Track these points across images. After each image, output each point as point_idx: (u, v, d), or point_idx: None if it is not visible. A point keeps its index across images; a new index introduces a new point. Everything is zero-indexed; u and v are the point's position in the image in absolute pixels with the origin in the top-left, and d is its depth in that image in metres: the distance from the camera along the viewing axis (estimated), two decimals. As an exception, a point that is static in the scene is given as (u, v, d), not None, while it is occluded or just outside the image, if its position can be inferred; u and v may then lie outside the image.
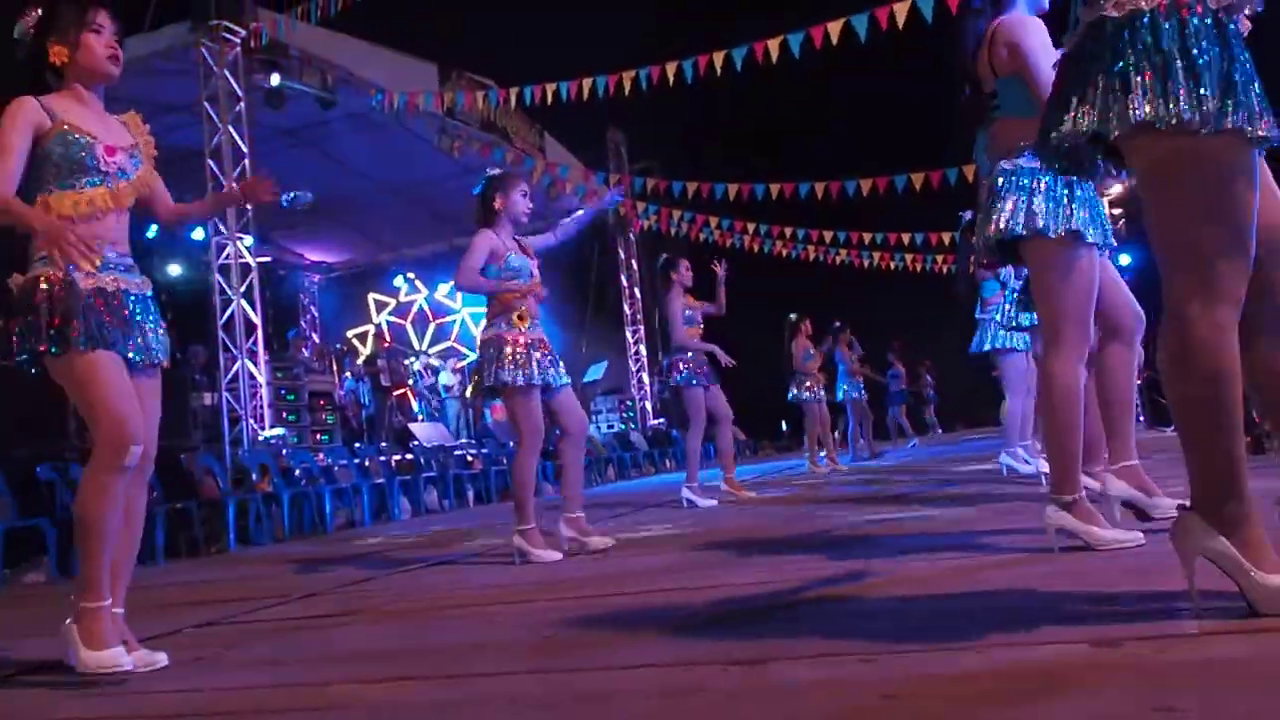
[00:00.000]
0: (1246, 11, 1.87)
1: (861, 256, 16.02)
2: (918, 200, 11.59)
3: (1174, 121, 1.76)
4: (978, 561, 2.90)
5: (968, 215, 6.15)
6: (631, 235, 18.48)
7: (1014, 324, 5.33)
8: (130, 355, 2.58)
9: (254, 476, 7.97)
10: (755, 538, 4.31)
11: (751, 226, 14.84)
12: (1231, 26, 1.82)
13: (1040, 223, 2.78)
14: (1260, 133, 1.79)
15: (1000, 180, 2.90)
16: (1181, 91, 1.76)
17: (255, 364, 9.35)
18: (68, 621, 2.50)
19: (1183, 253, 1.85)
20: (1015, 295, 5.23)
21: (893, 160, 11.58)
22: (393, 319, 18.13)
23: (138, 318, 2.63)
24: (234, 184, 9.02)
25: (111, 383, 2.52)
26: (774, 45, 7.82)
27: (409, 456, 10.23)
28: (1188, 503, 1.88)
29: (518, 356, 4.23)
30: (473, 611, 3.16)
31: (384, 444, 11.12)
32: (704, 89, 8.95)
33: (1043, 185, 2.81)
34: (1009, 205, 2.84)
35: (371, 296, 18.22)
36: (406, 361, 14.64)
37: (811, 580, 2.86)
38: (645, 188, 13.20)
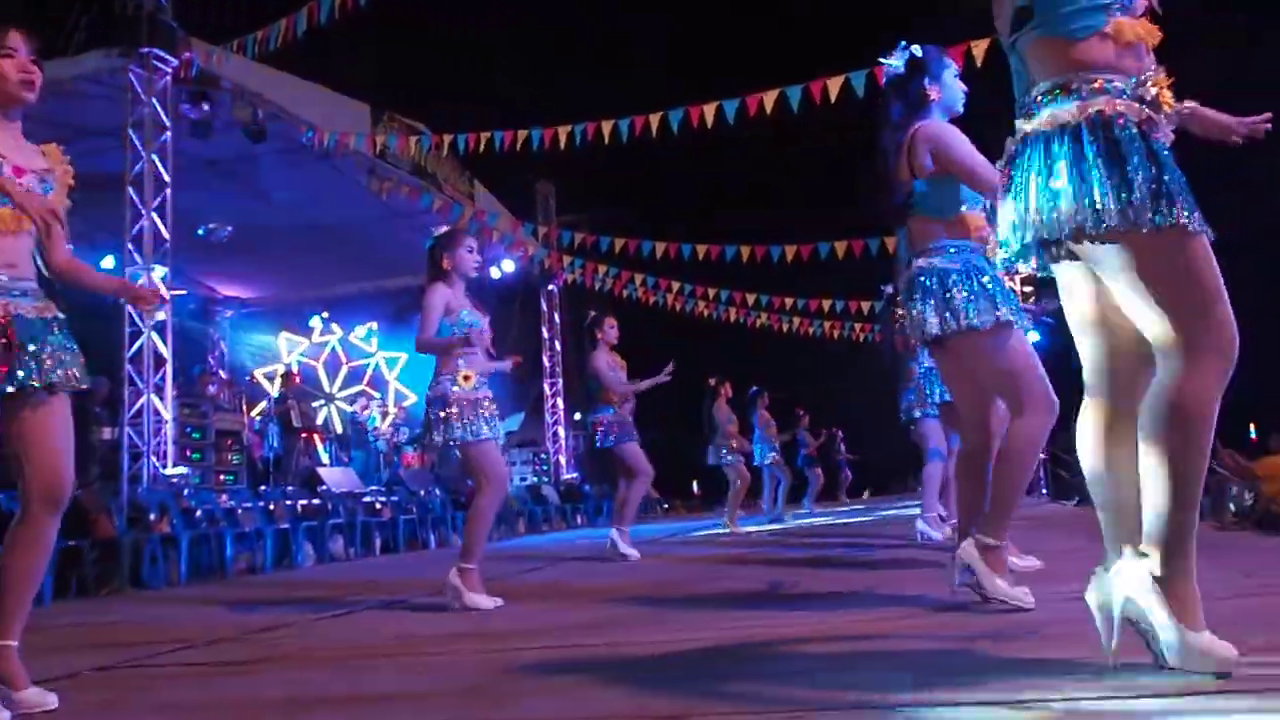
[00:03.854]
0: (1168, 126, 2.04)
1: (782, 321, 16.31)
2: (840, 268, 11.91)
3: (1115, 225, 1.89)
4: (891, 620, 2.95)
5: (889, 289, 6.36)
6: (554, 288, 18.52)
7: (933, 401, 5.54)
8: (20, 374, 2.46)
9: (152, 516, 7.65)
10: (676, 594, 4.31)
11: (676, 285, 15.00)
12: (1155, 141, 1.96)
13: (969, 319, 2.98)
14: (1197, 227, 1.92)
15: (918, 278, 3.11)
16: (1112, 197, 1.89)
17: (162, 399, 9.03)
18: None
19: (1168, 330, 1.94)
20: (934, 371, 5.43)
21: (817, 228, 11.90)
22: (304, 359, 17.75)
23: (31, 344, 2.49)
24: (153, 217, 8.81)
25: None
26: (710, 111, 8.00)
27: (316, 501, 9.95)
28: (1105, 562, 1.96)
29: (465, 414, 4.24)
30: (391, 660, 3.07)
31: (290, 488, 10.80)
32: (637, 148, 9.09)
33: (957, 283, 3.03)
34: (930, 306, 3.04)
35: (284, 335, 17.83)
36: (315, 404, 14.32)
37: (731, 637, 2.88)
38: (572, 241, 13.28)
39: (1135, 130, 1.94)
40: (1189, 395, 1.91)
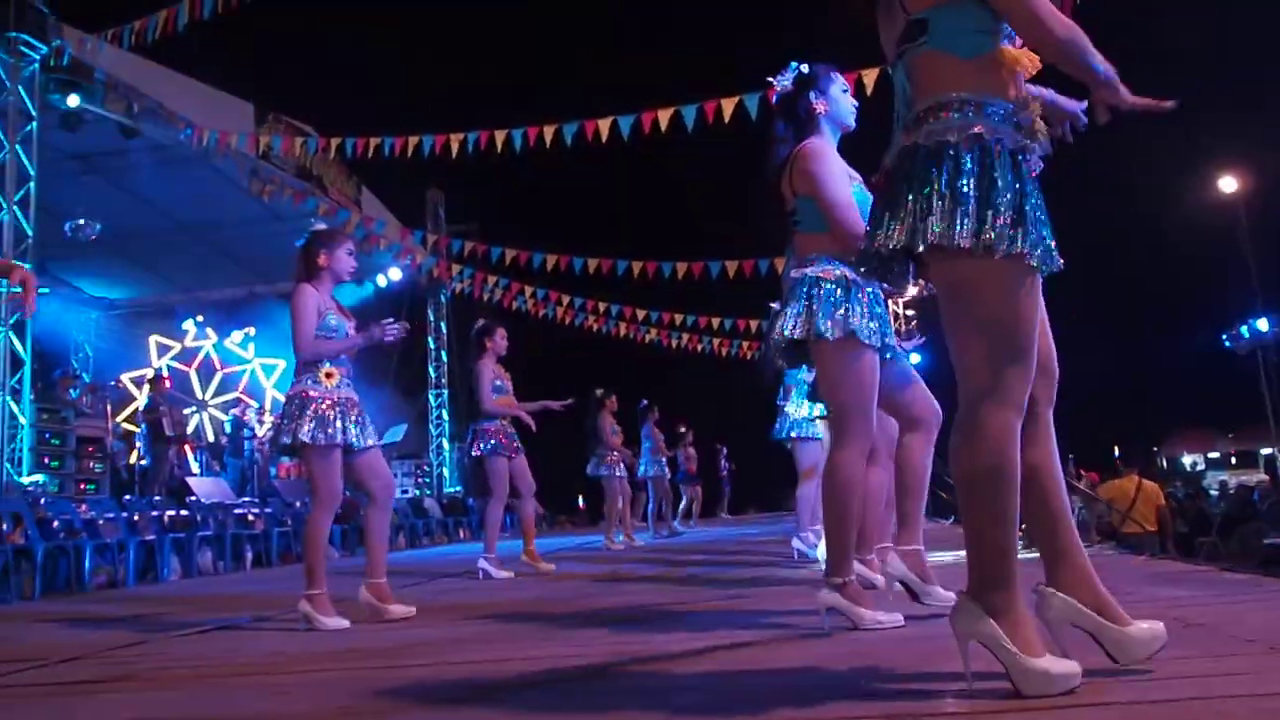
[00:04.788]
0: (1038, 153, 2.11)
1: (671, 337, 16.46)
2: (730, 287, 12.09)
3: (963, 244, 1.95)
4: (768, 639, 3.00)
5: (775, 305, 6.47)
6: (443, 297, 18.27)
7: (807, 415, 5.66)
8: None
9: (4, 527, 7.23)
10: (551, 611, 4.29)
11: (566, 299, 14.99)
12: (1025, 167, 2.05)
13: (820, 327, 3.04)
14: (1043, 265, 2.01)
15: (792, 288, 3.18)
16: (973, 219, 1.96)
17: (18, 403, 8.55)
18: None
19: (975, 364, 2.03)
20: (807, 387, 5.56)
21: (709, 246, 12.06)
22: (176, 364, 17.07)
23: None
24: (14, 210, 8.35)
25: None
26: (604, 125, 8.04)
27: (184, 513, 9.55)
28: (964, 588, 2.03)
29: (322, 415, 4.11)
30: (257, 680, 2.97)
31: (157, 498, 10.35)
32: (531, 159, 9.06)
33: (822, 292, 3.09)
34: (795, 311, 3.11)
35: (154, 338, 17.11)
36: (187, 411, 13.74)
37: (608, 656, 2.87)
38: (462, 250, 13.13)
39: (1009, 157, 2.00)
40: (993, 429, 1.98)
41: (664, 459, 11.72)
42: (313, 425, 4.08)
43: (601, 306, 15.20)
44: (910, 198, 2.03)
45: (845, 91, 3.39)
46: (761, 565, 6.01)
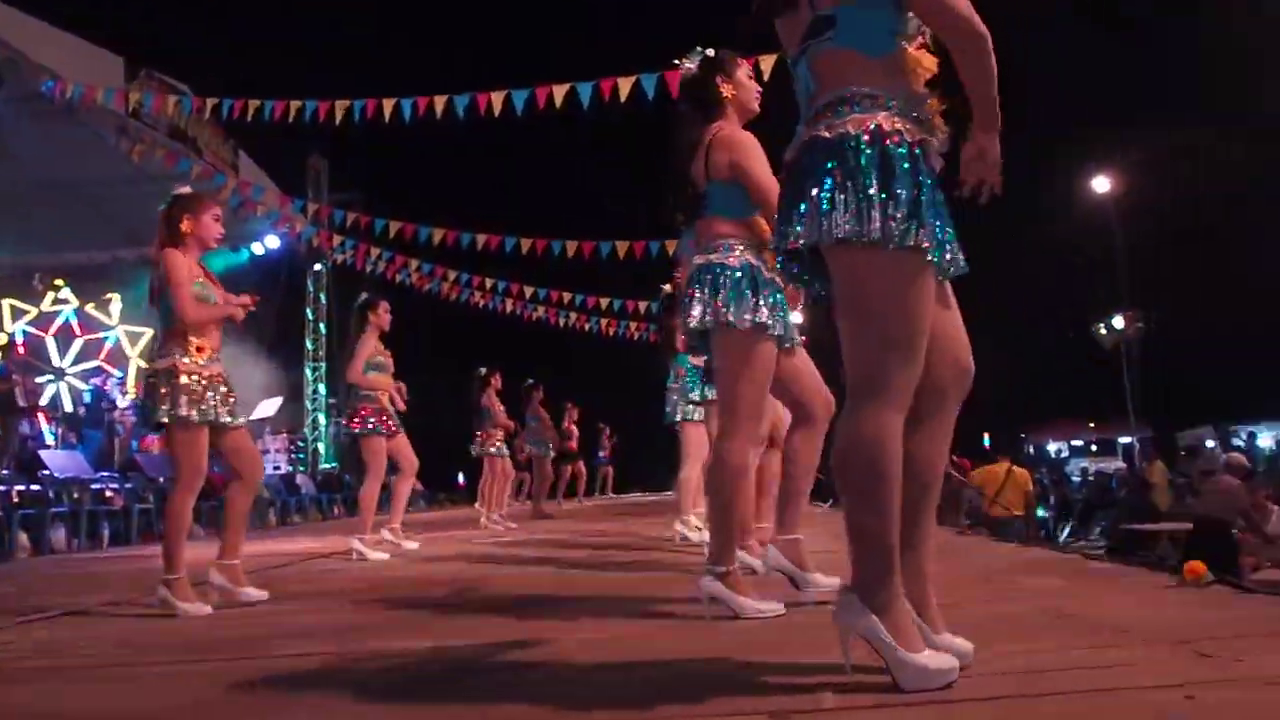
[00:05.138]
0: (937, 147, 2.10)
1: (559, 315, 16.33)
2: (620, 267, 12.02)
3: (867, 238, 1.95)
4: (651, 629, 2.96)
5: (667, 288, 6.46)
6: (323, 268, 17.70)
7: (695, 399, 5.66)
8: None
9: None
10: (428, 597, 4.15)
11: (453, 274, 14.67)
12: (924, 162, 2.04)
13: (727, 316, 3.02)
14: (942, 259, 2.02)
15: (696, 274, 3.15)
16: (875, 211, 1.95)
17: None
18: None
19: (862, 356, 2.03)
20: (699, 371, 5.56)
21: (599, 225, 11.97)
22: (31, 329, 16.09)
23: None
24: None
25: None
26: (498, 99, 7.84)
27: (35, 487, 9.00)
28: (849, 582, 2.02)
29: (191, 390, 3.89)
30: (112, 672, 2.77)
31: (6, 471, 9.72)
32: (421, 129, 8.79)
33: (729, 281, 3.06)
34: (702, 299, 3.08)
35: (6, 302, 16.10)
36: (41, 379, 12.96)
37: (487, 644, 2.79)
38: (345, 221, 12.69)
39: (907, 150, 2.00)
40: (869, 430, 1.98)
41: (548, 438, 11.63)
42: (181, 401, 3.87)
43: (489, 283, 14.94)
44: (814, 192, 2.02)
45: (750, 76, 3.37)
46: (643, 549, 5.99)
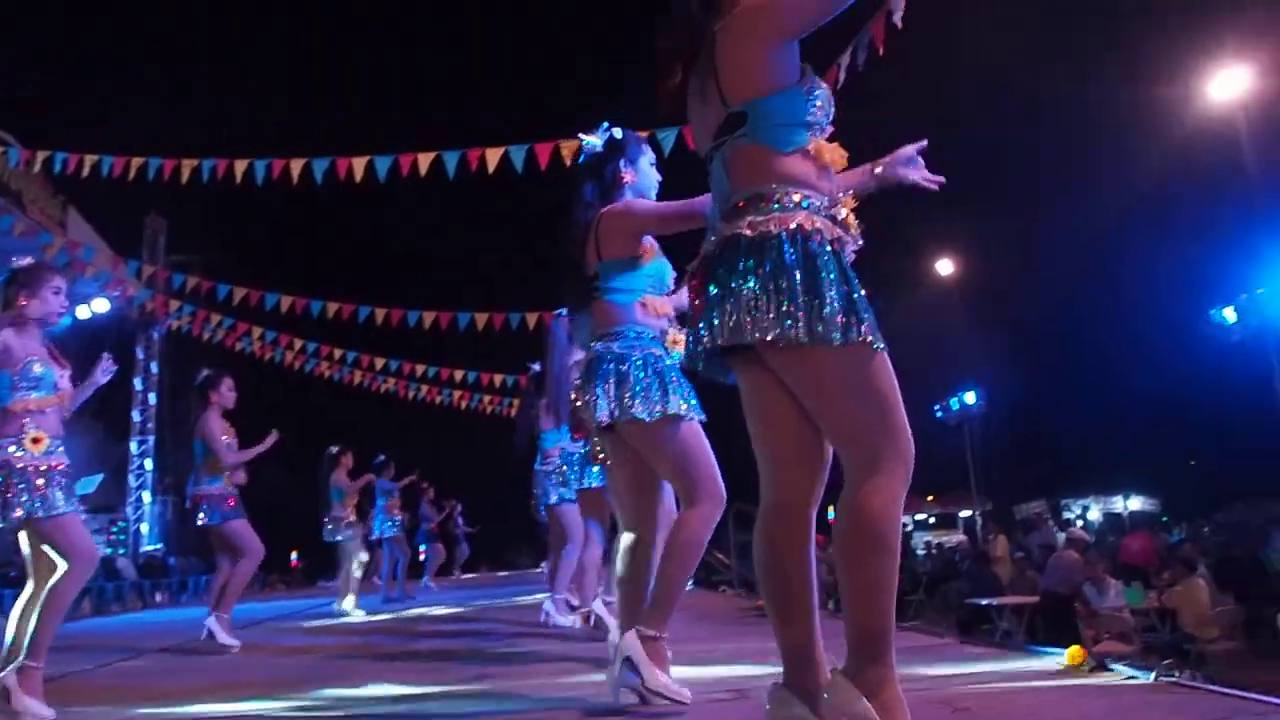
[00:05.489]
0: (851, 247, 2.13)
1: (409, 388, 15.81)
2: (477, 340, 11.75)
3: (799, 339, 1.94)
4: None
5: (536, 367, 6.30)
6: (155, 335, 16.67)
7: (576, 483, 5.48)
8: None
9: None
10: (290, 695, 3.75)
11: (299, 343, 13.99)
12: (844, 258, 2.06)
13: (634, 410, 2.93)
14: (880, 344, 2.02)
15: (597, 362, 3.04)
16: (802, 311, 1.95)
17: None
18: None
19: (849, 440, 2.02)
20: (576, 457, 5.38)
21: (456, 297, 11.69)
22: None
23: None
24: None
25: None
26: (359, 165, 7.55)
27: None
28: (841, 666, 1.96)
29: (33, 484, 3.49)
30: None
31: None
32: (270, 191, 8.38)
33: (631, 372, 2.98)
34: (604, 392, 2.98)
35: None
36: None
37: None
38: (184, 285, 11.94)
39: (830, 248, 2.01)
40: (877, 505, 1.96)
41: (399, 517, 11.12)
42: (30, 498, 3.50)
43: (337, 353, 14.32)
44: (736, 288, 2.01)
45: (652, 165, 3.32)
46: (514, 636, 5.70)
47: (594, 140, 3.26)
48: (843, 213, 2.11)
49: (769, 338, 1.94)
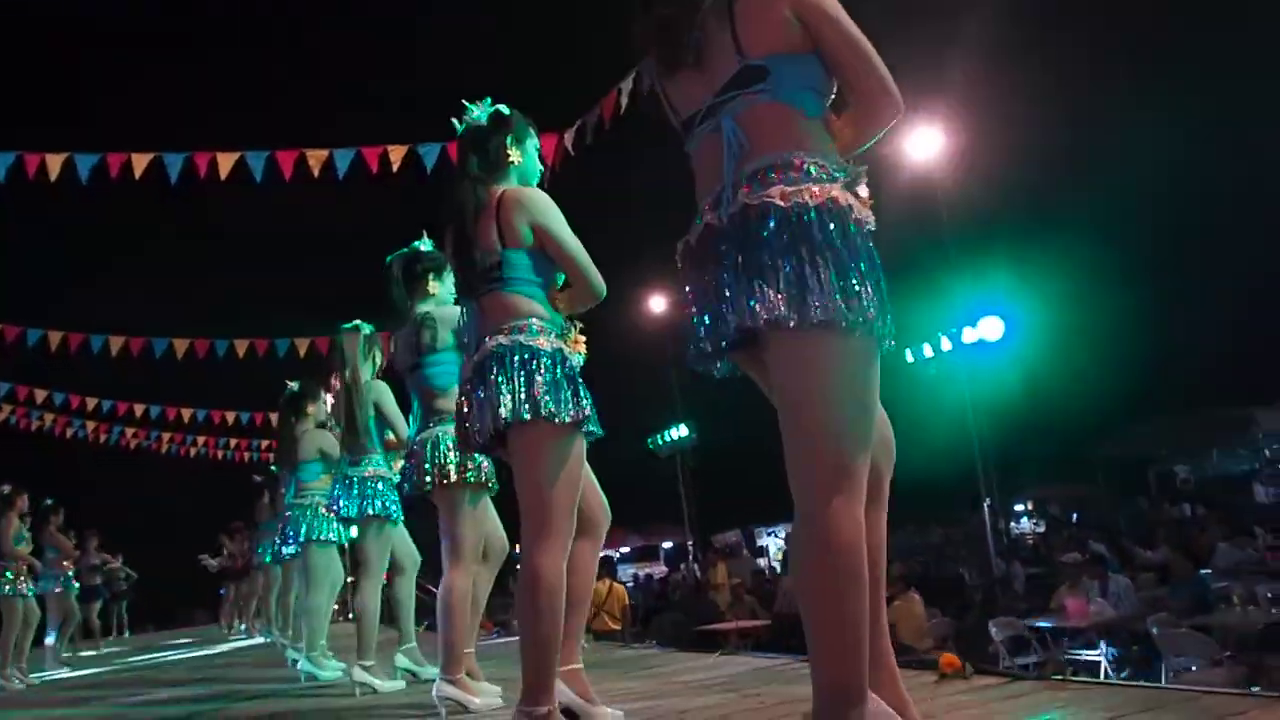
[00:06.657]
0: (870, 225, 1.92)
1: (72, 426, 13.80)
2: (161, 369, 10.48)
3: (840, 321, 1.74)
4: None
5: (294, 385, 5.78)
6: None
7: (343, 513, 4.94)
8: None
9: None
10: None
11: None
12: (870, 240, 1.87)
13: (548, 408, 2.55)
14: (889, 342, 1.87)
15: (498, 355, 2.63)
16: (847, 294, 1.75)
17: None
18: None
19: (823, 442, 1.79)
20: (349, 482, 4.85)
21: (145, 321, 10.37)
22: None
23: None
24: None
25: None
26: (54, 162, 6.42)
27: None
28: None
29: None
30: None
31: None
32: None
33: (542, 366, 2.61)
34: (512, 388, 2.57)
35: None
36: None
37: None
38: None
39: (864, 227, 1.85)
40: (850, 528, 1.77)
41: (69, 571, 9.61)
42: None
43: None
44: (770, 265, 1.76)
45: (537, 151, 3.02)
46: (270, 697, 5.00)
47: (479, 111, 2.92)
48: (864, 189, 1.93)
49: (821, 318, 1.72)
